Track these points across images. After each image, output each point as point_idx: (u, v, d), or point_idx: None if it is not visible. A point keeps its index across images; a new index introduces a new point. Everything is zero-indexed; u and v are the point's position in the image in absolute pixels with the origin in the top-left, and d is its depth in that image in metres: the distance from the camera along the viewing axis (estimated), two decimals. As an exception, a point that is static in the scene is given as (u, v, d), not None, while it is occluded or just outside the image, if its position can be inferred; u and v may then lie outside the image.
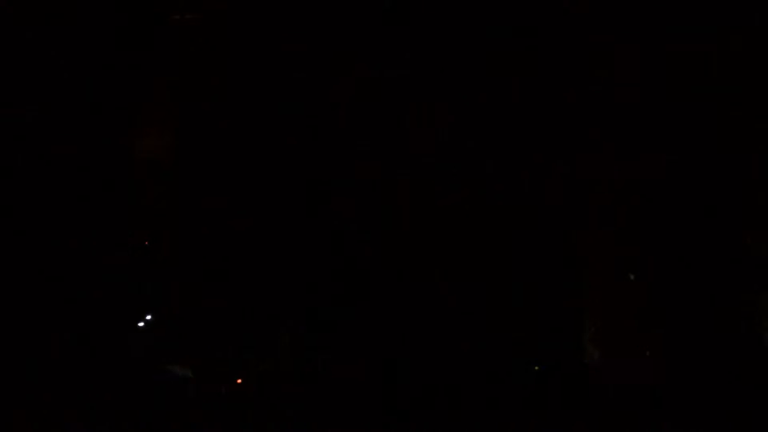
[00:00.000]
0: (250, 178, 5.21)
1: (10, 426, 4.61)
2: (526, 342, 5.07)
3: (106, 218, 5.11)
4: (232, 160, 5.24)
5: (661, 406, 4.69)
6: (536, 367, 5.02)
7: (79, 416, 4.69)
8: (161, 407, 4.84)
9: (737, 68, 5.20)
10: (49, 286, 4.95)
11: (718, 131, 4.92)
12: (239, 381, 5.01)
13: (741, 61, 5.13)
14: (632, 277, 5.18)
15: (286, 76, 5.25)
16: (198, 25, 5.33)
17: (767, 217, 4.80)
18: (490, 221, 5.05)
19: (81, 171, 5.10)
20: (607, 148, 5.14)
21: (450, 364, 5.00)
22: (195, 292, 5.13)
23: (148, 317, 5.07)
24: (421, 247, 5.08)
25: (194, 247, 5.16)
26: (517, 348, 5.09)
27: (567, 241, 5.14)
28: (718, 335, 4.70)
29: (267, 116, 5.25)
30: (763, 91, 5.06)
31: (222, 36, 5.34)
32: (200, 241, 5.16)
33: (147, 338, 5.06)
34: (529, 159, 5.13)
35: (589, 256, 5.38)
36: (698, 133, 4.95)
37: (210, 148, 5.27)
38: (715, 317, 4.65)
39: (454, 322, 5.04)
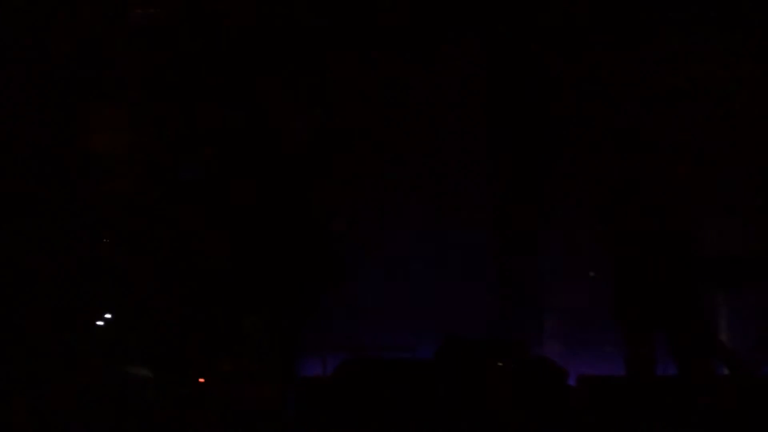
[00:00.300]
0: (209, 177, 5.11)
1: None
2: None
3: (64, 216, 4.94)
4: (186, 159, 5.15)
5: (624, 398, 4.80)
6: (499, 363, 5.06)
7: (35, 416, 4.44)
8: (120, 408, 4.64)
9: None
10: (6, 284, 4.72)
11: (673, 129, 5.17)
12: (201, 380, 4.84)
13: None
14: (592, 275, 5.35)
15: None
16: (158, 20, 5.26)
17: (724, 215, 5.07)
18: None
19: (39, 167, 4.93)
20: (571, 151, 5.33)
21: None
22: (155, 290, 4.96)
23: (107, 316, 4.89)
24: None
25: (154, 245, 5.01)
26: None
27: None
28: (676, 331, 4.86)
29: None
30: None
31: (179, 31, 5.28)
32: (160, 239, 5.01)
33: (105, 338, 4.87)
34: None
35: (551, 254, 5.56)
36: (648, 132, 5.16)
37: (168, 146, 5.17)
38: (673, 314, 4.81)
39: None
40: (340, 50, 6.32)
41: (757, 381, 4.96)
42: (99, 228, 4.98)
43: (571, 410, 4.88)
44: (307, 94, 5.49)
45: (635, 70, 6.06)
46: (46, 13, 5.15)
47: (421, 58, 6.54)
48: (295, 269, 4.92)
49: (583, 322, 6.19)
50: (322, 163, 5.01)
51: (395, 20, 6.45)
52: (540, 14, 6.27)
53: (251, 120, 5.10)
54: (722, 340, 5.43)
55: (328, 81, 5.97)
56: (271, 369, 4.82)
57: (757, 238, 5.94)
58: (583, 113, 6.22)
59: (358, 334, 6.21)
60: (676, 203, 4.80)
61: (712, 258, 4.96)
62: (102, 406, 4.59)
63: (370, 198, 6.66)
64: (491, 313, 6.45)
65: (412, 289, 6.53)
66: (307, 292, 4.91)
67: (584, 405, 4.89)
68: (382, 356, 5.56)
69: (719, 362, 5.03)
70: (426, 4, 6.44)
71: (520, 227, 6.49)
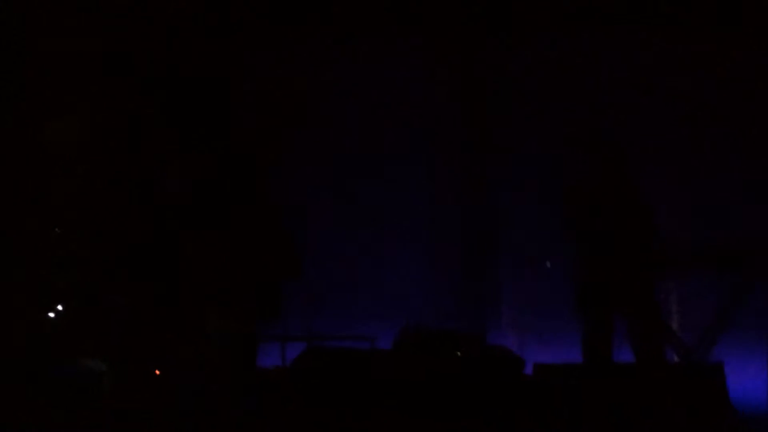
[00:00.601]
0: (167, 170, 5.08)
1: None
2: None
3: (15, 209, 4.86)
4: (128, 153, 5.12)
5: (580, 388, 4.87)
6: (458, 353, 5.10)
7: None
8: (73, 402, 4.58)
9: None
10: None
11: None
12: (157, 372, 4.80)
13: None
14: (548, 264, 5.42)
15: None
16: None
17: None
18: None
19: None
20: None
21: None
22: (109, 281, 4.91)
23: (59, 308, 4.83)
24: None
25: (107, 237, 4.96)
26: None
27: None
28: (634, 319, 4.94)
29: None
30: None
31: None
32: (113, 231, 4.97)
33: (57, 330, 4.81)
34: None
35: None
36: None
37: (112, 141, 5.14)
38: (632, 303, 4.89)
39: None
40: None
41: (704, 367, 5.07)
42: (51, 220, 4.92)
43: (528, 398, 4.94)
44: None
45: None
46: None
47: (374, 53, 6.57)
48: (254, 260, 4.92)
49: (540, 312, 6.27)
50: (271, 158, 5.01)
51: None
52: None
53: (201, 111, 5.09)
54: (672, 328, 5.55)
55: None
56: (230, 360, 4.81)
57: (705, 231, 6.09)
58: (543, 110, 6.29)
59: (318, 325, 6.23)
60: (635, 198, 4.89)
61: (662, 250, 5.07)
62: (56, 398, 4.55)
63: (332, 192, 6.67)
64: (449, 303, 6.50)
65: (371, 279, 6.55)
66: (266, 283, 4.91)
67: (540, 392, 4.95)
68: (341, 346, 5.58)
69: (670, 349, 5.14)
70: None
71: (480, 220, 6.55)
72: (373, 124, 6.57)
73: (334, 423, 4.68)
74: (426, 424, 4.67)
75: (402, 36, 6.52)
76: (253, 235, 4.95)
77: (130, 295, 4.88)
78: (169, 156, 4.99)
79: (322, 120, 6.57)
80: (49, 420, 4.46)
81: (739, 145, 6.29)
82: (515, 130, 6.49)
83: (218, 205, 4.90)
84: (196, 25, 5.92)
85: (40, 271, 4.85)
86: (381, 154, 6.60)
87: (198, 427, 4.57)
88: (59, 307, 4.82)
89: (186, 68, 5.62)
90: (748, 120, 6.26)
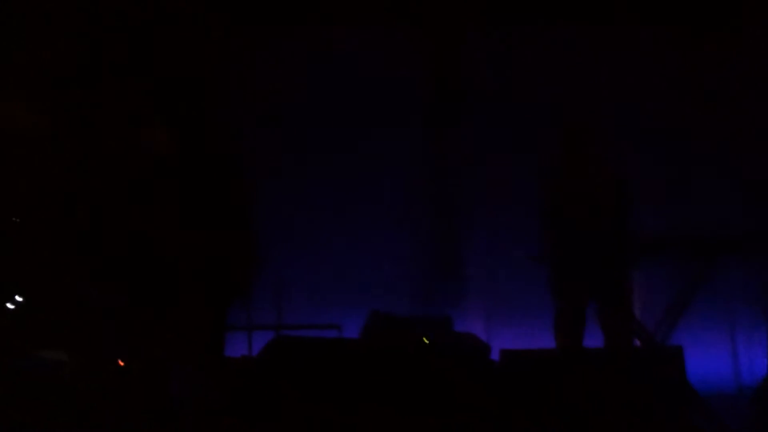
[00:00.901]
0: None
1: None
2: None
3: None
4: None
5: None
6: (425, 340, 5.12)
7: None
8: (33, 395, 4.52)
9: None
10: None
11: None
12: (121, 363, 4.76)
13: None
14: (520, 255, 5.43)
15: None
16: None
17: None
18: None
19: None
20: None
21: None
22: (70, 271, 4.84)
23: (19, 299, 4.76)
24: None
25: (68, 226, 4.89)
26: None
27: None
28: (605, 306, 4.98)
29: None
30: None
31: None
32: (75, 220, 4.89)
33: (17, 322, 4.74)
34: None
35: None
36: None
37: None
38: (604, 289, 4.93)
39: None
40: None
41: (664, 350, 5.13)
42: (9, 208, 4.84)
43: (495, 384, 4.96)
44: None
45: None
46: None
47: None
48: (218, 249, 4.88)
49: (507, 298, 6.30)
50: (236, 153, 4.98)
51: None
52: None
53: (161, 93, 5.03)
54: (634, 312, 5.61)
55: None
56: (197, 348, 4.78)
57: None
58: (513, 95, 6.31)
59: (285, 314, 6.21)
60: (608, 179, 4.93)
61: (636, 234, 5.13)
62: (16, 390, 4.49)
63: (297, 175, 6.64)
64: (417, 290, 6.50)
65: (338, 266, 6.54)
66: (232, 272, 4.88)
67: (507, 379, 4.98)
68: (308, 335, 5.57)
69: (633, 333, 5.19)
70: None
71: (449, 206, 6.56)
72: (338, 108, 6.53)
73: (302, 413, 4.67)
74: (393, 411, 4.67)
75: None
76: (218, 222, 4.92)
77: (93, 284, 4.83)
78: (131, 136, 4.93)
79: (293, 105, 6.53)
80: (9, 412, 4.40)
81: (712, 133, 6.36)
82: (487, 108, 6.49)
83: (184, 188, 4.86)
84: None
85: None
86: (347, 138, 6.57)
87: (162, 417, 4.54)
88: (18, 298, 4.75)
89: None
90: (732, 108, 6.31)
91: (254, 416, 4.60)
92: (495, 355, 5.14)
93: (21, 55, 5.14)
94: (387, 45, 6.51)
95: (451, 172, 6.53)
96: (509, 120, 6.35)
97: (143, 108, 5.02)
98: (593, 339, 5.09)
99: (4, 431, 4.32)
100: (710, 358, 5.77)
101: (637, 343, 5.10)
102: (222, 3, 6.21)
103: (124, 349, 4.76)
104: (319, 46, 6.49)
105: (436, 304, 6.32)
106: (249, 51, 6.32)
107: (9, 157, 4.93)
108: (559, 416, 4.48)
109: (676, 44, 6.47)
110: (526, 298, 5.69)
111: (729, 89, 6.39)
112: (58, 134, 5.02)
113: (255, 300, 5.22)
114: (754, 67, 6.33)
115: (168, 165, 4.82)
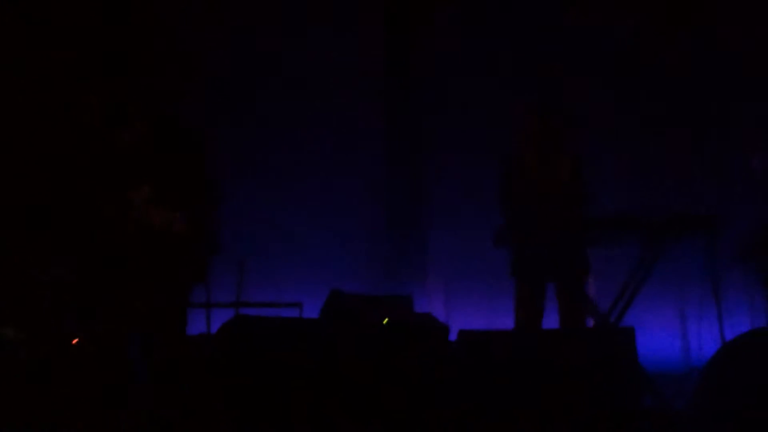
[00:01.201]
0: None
1: None
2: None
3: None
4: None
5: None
6: (385, 320, 5.12)
7: None
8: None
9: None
10: None
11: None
12: (75, 341, 4.72)
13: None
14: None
15: None
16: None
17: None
18: None
19: None
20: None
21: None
22: (20, 247, 4.79)
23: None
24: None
25: (20, 200, 4.83)
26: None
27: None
28: (564, 288, 5.01)
29: None
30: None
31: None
32: (26, 194, 4.84)
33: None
34: None
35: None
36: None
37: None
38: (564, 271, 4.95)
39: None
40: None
41: (616, 331, 5.18)
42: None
43: (452, 364, 4.99)
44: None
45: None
46: None
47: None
48: (175, 225, 4.85)
49: (466, 278, 6.33)
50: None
51: None
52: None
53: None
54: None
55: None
56: (158, 328, 4.76)
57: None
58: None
59: (245, 291, 6.19)
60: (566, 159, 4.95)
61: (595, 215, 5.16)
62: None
63: (259, 152, 6.60)
64: (377, 269, 6.52)
65: (299, 245, 6.53)
66: (192, 249, 4.85)
67: (464, 359, 5.01)
68: (269, 313, 5.55)
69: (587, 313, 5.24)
70: None
71: (407, 185, 6.57)
72: (297, 90, 6.51)
73: (261, 392, 4.67)
74: (351, 392, 4.69)
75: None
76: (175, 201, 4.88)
77: (49, 262, 4.78)
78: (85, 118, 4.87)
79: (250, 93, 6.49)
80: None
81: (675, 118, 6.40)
82: (445, 86, 6.49)
83: (140, 164, 4.82)
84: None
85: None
86: (304, 118, 6.55)
87: (120, 396, 4.52)
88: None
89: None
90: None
91: (210, 394, 4.60)
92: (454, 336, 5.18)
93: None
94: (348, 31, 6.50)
95: (413, 151, 6.53)
96: (469, 102, 6.35)
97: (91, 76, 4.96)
98: (551, 320, 5.13)
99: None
100: (661, 339, 5.85)
101: (591, 323, 5.15)
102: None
103: (78, 326, 4.72)
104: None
105: (396, 283, 6.34)
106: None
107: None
108: (512, 395, 4.52)
109: (644, 31, 6.49)
110: (487, 278, 5.72)
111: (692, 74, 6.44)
112: (11, 111, 4.95)
113: (215, 277, 5.20)
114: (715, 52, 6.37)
115: (123, 138, 4.78)
